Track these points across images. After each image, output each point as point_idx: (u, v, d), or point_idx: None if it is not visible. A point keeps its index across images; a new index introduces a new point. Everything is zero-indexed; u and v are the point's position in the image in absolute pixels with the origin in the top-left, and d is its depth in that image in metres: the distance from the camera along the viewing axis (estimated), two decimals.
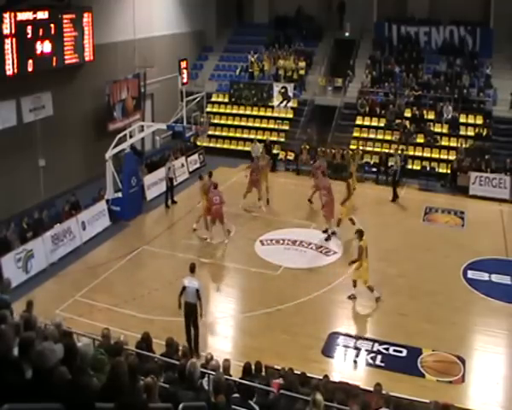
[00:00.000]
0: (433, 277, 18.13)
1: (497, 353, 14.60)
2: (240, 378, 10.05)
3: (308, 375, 11.18)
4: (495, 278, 17.92)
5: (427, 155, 28.13)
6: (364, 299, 16.87)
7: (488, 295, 16.97)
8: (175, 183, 24.58)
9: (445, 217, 22.82)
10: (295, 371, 10.90)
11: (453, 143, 28.27)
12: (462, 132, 28.75)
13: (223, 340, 15.03)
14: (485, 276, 18.19)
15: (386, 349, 14.39)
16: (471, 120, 29.15)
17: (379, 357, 14.15)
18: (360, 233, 16.69)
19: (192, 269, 14.13)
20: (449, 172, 26.47)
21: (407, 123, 29.12)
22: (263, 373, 10.96)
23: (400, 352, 14.31)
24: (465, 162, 26.25)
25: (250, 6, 37.29)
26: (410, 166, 27.41)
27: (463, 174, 25.41)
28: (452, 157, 27.37)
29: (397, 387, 11.95)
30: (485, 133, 28.31)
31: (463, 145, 27.77)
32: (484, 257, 19.33)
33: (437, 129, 28.92)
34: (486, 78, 30.79)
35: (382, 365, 13.89)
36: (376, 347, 14.48)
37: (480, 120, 28.99)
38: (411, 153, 28.15)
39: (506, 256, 19.34)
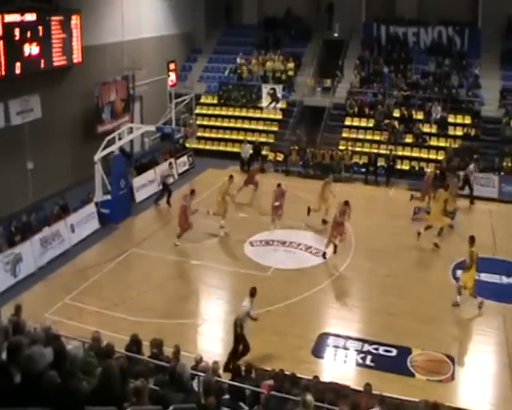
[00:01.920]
0: (422, 276, 18.29)
1: (486, 351, 14.72)
2: (230, 380, 10.07)
3: (298, 376, 11.23)
4: (484, 276, 17.98)
5: (415, 155, 28.31)
6: (354, 299, 16.95)
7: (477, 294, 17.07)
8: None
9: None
10: (285, 372, 10.92)
11: (442, 143, 28.43)
12: (450, 132, 28.92)
13: (213, 342, 15.02)
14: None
15: (376, 349, 14.43)
16: (459, 119, 29.33)
17: (369, 357, 14.19)
18: (472, 239, 16.56)
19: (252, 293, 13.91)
20: (438, 172, 26.62)
21: (396, 123, 29.24)
22: (253, 375, 10.98)
23: (390, 352, 14.36)
24: (454, 162, 26.41)
25: (239, 7, 37.24)
26: (398, 167, 27.58)
27: (451, 174, 25.56)
28: (441, 157, 27.54)
29: (387, 387, 12.05)
30: (473, 133, 28.47)
31: (452, 145, 27.93)
32: None
33: (426, 129, 29.08)
34: (475, 78, 30.96)
35: (372, 365, 13.94)
36: (366, 347, 14.51)
37: (468, 120, 29.16)
38: (400, 153, 28.31)
39: (494, 255, 19.46)
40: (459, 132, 28.82)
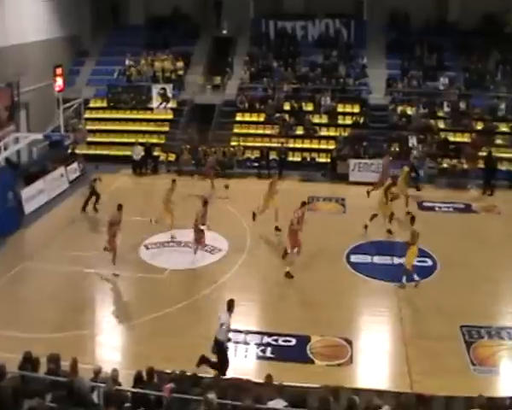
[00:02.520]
0: (317, 264, 18.60)
1: (382, 331, 15.25)
2: (132, 387, 9.87)
3: (200, 375, 11.14)
4: (377, 259, 18.63)
5: (306, 146, 28.87)
6: (252, 293, 17.00)
7: (370, 277, 17.64)
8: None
9: (326, 205, 23.44)
10: (187, 373, 10.82)
11: (332, 133, 29.19)
12: (340, 122, 29.71)
13: (111, 350, 14.61)
14: (367, 258, 18.90)
15: (276, 341, 14.55)
16: (348, 109, 30.19)
17: (269, 349, 14.29)
18: (412, 218, 17.37)
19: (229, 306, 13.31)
20: (329, 161, 27.26)
21: (286, 116, 29.68)
22: (155, 379, 10.80)
23: (289, 341, 14.52)
24: (344, 151, 27.14)
25: (125, 8, 36.62)
26: (290, 159, 27.96)
27: (343, 162, 26.25)
28: (331, 146, 28.18)
29: (288, 376, 12.11)
30: (362, 121, 29.37)
31: (342, 134, 28.65)
32: (365, 241, 20.10)
33: (316, 120, 29.73)
34: (362, 68, 31.99)
35: (273, 356, 14.04)
36: (266, 339, 14.60)
37: (356, 109, 30.08)
38: (292, 145, 28.75)
39: (387, 238, 20.13)
40: (348, 121, 29.68)
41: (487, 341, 14.82)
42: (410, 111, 29.68)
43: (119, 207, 18.38)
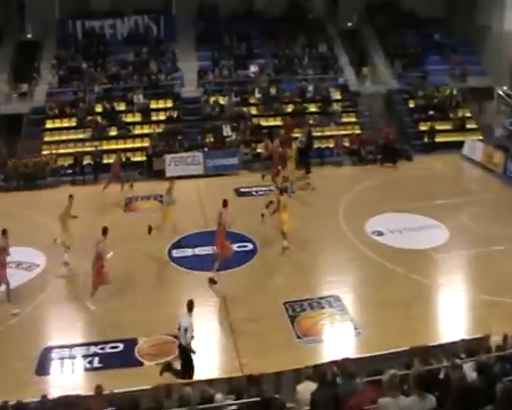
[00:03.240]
0: (140, 265, 18.35)
1: (208, 321, 15.31)
2: None
3: (24, 401, 10.52)
4: (198, 250, 18.78)
5: (121, 146, 28.19)
6: (74, 304, 16.41)
7: (194, 269, 17.74)
8: None
9: (145, 203, 23.22)
10: (9, 403, 10.16)
11: (146, 130, 28.90)
12: (154, 118, 29.54)
13: None
14: (189, 251, 18.98)
15: (103, 349, 14.18)
16: (162, 104, 30.11)
17: (96, 359, 13.89)
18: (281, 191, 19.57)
19: (189, 307, 12.90)
20: (145, 159, 27.01)
21: (99, 118, 28.92)
22: None
23: (117, 347, 14.23)
24: (160, 147, 27.02)
25: None
26: (106, 161, 27.11)
27: (159, 158, 26.12)
28: (147, 144, 27.92)
29: (118, 383, 11.85)
30: (175, 115, 29.42)
31: (156, 130, 28.51)
32: (187, 234, 20.13)
33: (129, 119, 29.32)
34: (173, 62, 31.95)
35: (101, 365, 13.66)
36: (92, 349, 14.17)
37: (170, 104, 30.09)
38: (106, 147, 27.99)
39: (206, 228, 20.33)
40: (162, 117, 29.59)
41: (309, 312, 15.60)
42: (222, 101, 30.26)
43: (3, 232, 16.47)
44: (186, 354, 12.82)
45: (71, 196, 19.10)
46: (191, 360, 12.85)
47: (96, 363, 13.78)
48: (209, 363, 13.67)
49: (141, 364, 13.68)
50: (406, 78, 33.44)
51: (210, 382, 11.96)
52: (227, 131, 28.31)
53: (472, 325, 15.12)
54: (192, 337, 12.74)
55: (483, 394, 5.99)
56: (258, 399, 9.31)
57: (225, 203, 17.48)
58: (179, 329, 12.77)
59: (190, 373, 12.75)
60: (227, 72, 31.81)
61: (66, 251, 18.24)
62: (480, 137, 30.58)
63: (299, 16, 34.88)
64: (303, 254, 18.58)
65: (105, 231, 16.31)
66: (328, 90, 31.58)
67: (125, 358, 13.90)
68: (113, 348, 14.25)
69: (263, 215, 20.73)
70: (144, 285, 17.01)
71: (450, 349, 12.12)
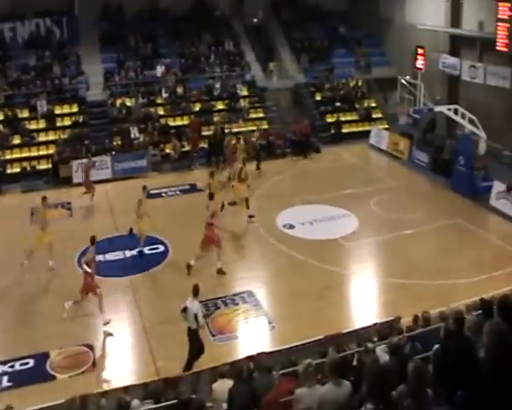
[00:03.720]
0: (49, 276, 17.71)
1: (122, 327, 15.10)
2: None
3: None
4: (110, 256, 18.38)
5: (25, 155, 27.13)
6: None
7: (106, 276, 17.14)
8: None
9: (52, 212, 22.43)
10: None
11: (52, 137, 27.88)
12: (59, 124, 28.55)
13: None
14: (99, 258, 18.36)
15: (12, 367, 13.57)
16: (66, 109, 29.18)
17: (5, 378, 13.27)
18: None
19: (195, 292, 13.07)
20: (50, 166, 26.19)
21: (0, 126, 27.67)
22: None
23: (27, 364, 13.66)
24: (66, 153, 26.28)
25: None
26: (9, 171, 26.17)
27: (65, 165, 25.41)
28: (52, 151, 26.97)
29: (29, 401, 11.49)
30: (81, 120, 28.64)
31: (62, 136, 27.67)
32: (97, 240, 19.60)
33: (33, 126, 28.20)
34: (77, 65, 31.12)
35: (11, 384, 13.07)
36: (1, 368, 13.52)
37: (75, 108, 29.22)
38: (9, 157, 26.86)
39: (117, 233, 19.97)
40: (67, 122, 28.65)
41: (224, 310, 15.66)
42: (129, 103, 29.71)
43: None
44: (195, 336, 13.09)
45: (44, 198, 18.67)
46: (200, 341, 13.20)
47: (5, 382, 13.17)
48: (124, 370, 13.47)
49: (53, 378, 13.24)
50: (313, 71, 34.02)
51: (125, 389, 11.81)
52: (134, 133, 27.83)
53: (383, 308, 15.54)
54: (203, 319, 13.30)
55: (396, 374, 6.12)
56: (175, 401, 9.22)
57: (211, 196, 17.99)
58: (184, 311, 13.01)
59: (198, 355, 13.10)
60: (133, 73, 31.26)
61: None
62: (386, 126, 31.54)
63: (205, 14, 34.74)
64: (215, 253, 18.55)
65: (92, 240, 15.67)
66: (235, 87, 31.68)
67: (36, 374, 13.38)
68: (23, 364, 13.66)
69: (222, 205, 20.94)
70: (56, 296, 16.45)
71: (363, 335, 12.44)
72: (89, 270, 15.11)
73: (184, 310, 13.04)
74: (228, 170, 25.11)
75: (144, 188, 19.35)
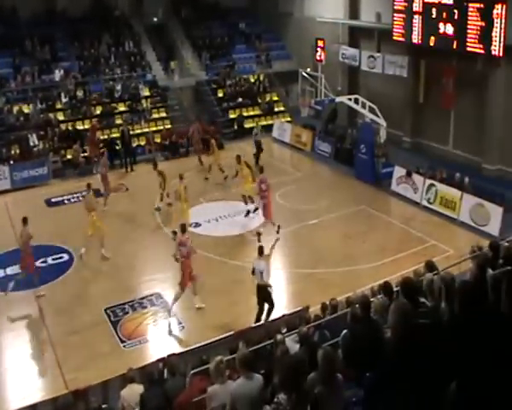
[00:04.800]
0: None
1: (25, 342, 14.63)
2: None
3: None
4: (11, 270, 17.63)
5: None
6: None
7: (8, 291, 16.58)
8: None
9: None
10: None
11: None
12: None
13: None
14: (0, 273, 17.83)
15: None
16: None
17: None
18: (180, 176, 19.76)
19: (260, 252, 14.52)
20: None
21: None
22: None
23: None
24: None
25: None
26: None
27: None
28: None
29: None
30: None
31: None
32: None
33: None
34: None
35: None
36: None
37: None
38: None
39: (18, 246, 19.19)
40: None
41: (132, 314, 15.46)
42: (27, 109, 28.66)
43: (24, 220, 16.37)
44: (265, 291, 14.42)
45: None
46: (270, 295, 14.51)
47: None
48: (31, 386, 13.00)
49: None
50: (214, 68, 34.02)
51: (33, 407, 11.46)
52: (34, 140, 26.85)
53: (292, 299, 15.82)
54: (269, 277, 14.50)
55: (306, 363, 6.21)
56: None
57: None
58: (253, 273, 14.41)
59: (271, 310, 14.48)
60: (30, 78, 30.22)
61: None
62: (288, 119, 31.99)
63: (104, 15, 34.06)
64: (120, 258, 18.26)
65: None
66: (136, 88, 31.22)
67: None
68: None
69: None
70: None
71: (272, 327, 12.58)
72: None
73: (253, 271, 14.43)
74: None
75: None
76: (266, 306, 14.59)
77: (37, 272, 16.58)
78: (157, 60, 33.71)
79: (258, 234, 17.20)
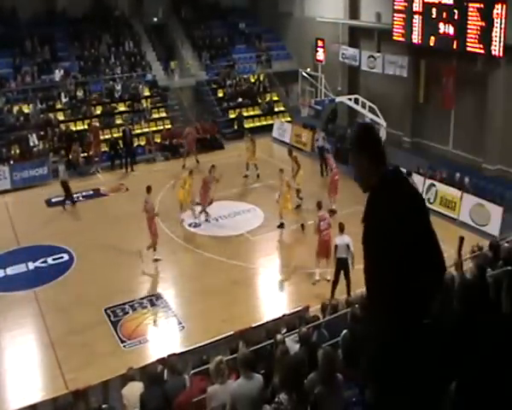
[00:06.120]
0: None
1: (26, 342, 14.58)
2: None
3: None
4: (11, 270, 17.69)
5: None
6: None
7: (7, 291, 16.64)
8: None
9: None
10: None
11: None
12: None
13: None
14: (0, 273, 17.85)
15: None
16: None
17: None
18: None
19: (341, 229, 15.41)
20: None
21: None
22: None
23: None
24: None
25: None
26: None
27: None
28: None
29: None
30: None
31: None
32: None
33: None
34: None
35: None
36: None
37: None
38: None
39: (18, 245, 19.26)
40: None
41: (132, 314, 15.41)
42: (27, 109, 28.63)
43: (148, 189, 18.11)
44: (347, 265, 15.24)
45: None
46: (350, 271, 15.25)
47: None
48: (32, 386, 12.97)
49: None
50: (214, 68, 34.01)
51: (33, 407, 11.46)
52: (34, 140, 26.87)
53: (292, 299, 15.77)
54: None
55: (306, 363, 6.21)
56: None
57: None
58: (335, 248, 15.35)
59: (349, 282, 15.24)
60: (30, 78, 30.20)
61: None
62: (288, 119, 31.97)
63: (104, 15, 34.06)
64: (121, 258, 18.24)
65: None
66: (136, 88, 31.20)
67: None
68: None
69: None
70: None
71: (272, 327, 12.56)
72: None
73: (335, 248, 15.28)
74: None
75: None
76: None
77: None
78: (157, 60, 33.68)
79: (332, 212, 18.37)
